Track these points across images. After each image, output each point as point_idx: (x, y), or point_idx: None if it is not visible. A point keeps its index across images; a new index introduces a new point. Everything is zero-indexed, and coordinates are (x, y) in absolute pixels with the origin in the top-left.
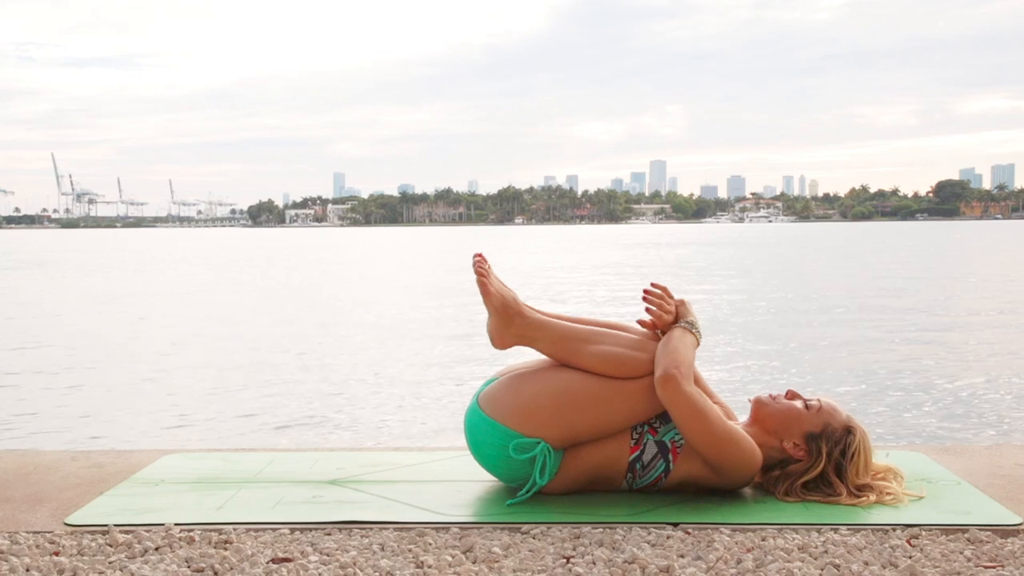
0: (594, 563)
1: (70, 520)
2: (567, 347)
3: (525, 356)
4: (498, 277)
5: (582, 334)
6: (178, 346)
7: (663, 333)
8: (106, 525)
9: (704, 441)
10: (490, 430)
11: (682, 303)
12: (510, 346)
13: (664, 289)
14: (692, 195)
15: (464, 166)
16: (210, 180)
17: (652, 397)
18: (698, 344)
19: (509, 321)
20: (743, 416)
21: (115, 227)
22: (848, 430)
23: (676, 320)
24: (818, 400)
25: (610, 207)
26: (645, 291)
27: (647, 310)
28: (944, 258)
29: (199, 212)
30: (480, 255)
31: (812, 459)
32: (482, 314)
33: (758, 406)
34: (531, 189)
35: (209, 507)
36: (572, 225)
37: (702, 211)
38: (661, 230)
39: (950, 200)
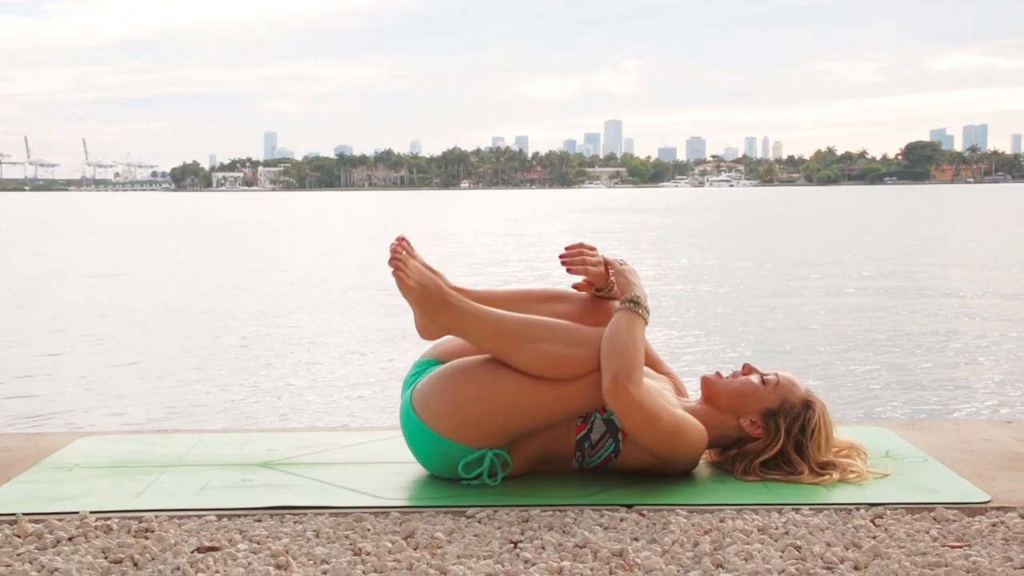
0: (543, 548)
1: None
2: (501, 345)
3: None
4: (421, 263)
5: (517, 328)
6: (90, 319)
7: (600, 291)
8: (14, 514)
9: (652, 440)
10: (431, 441)
11: (621, 272)
12: (438, 337)
13: (580, 245)
14: (649, 158)
15: (406, 126)
16: (129, 140)
17: (597, 394)
18: (646, 322)
19: (435, 313)
20: (692, 387)
21: (23, 190)
22: (807, 404)
23: (611, 287)
24: (775, 374)
25: (562, 170)
26: (560, 256)
27: (569, 271)
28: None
29: (117, 175)
30: (402, 239)
31: (770, 437)
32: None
33: (707, 386)
34: (478, 151)
35: (128, 493)
36: (522, 189)
37: (659, 175)
38: (616, 195)
39: (920, 163)
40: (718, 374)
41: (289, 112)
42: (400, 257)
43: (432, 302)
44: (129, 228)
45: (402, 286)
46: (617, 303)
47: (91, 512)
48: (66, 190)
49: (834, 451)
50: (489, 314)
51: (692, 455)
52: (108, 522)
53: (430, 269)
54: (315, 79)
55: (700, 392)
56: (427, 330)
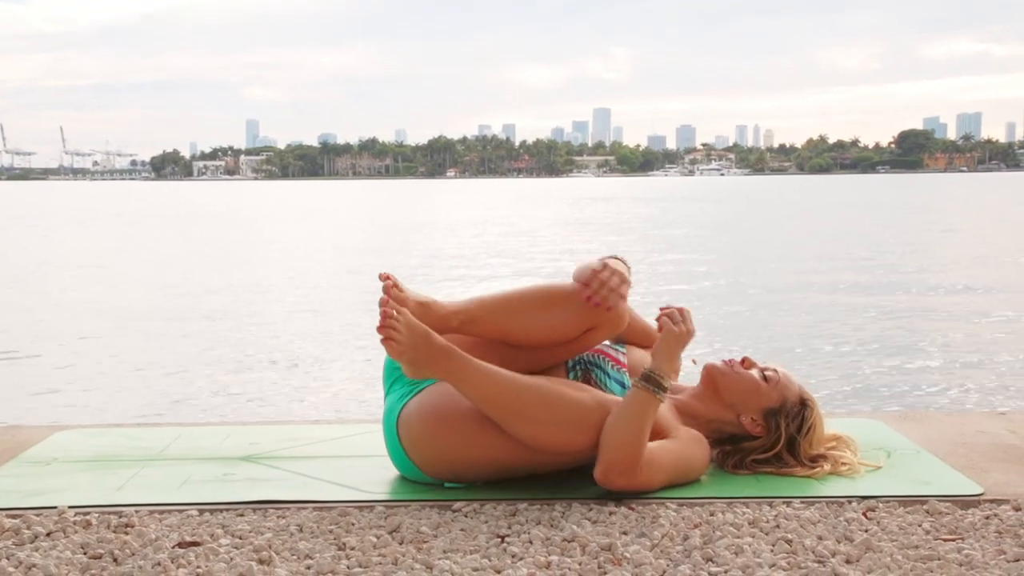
0: (531, 542)
1: None
2: (495, 413)
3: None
4: (412, 300)
5: (512, 403)
6: (70, 313)
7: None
8: None
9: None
10: (419, 475)
11: (672, 336)
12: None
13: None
14: (639, 146)
15: (391, 114)
16: (107, 128)
17: (591, 454)
18: (661, 402)
19: (424, 369)
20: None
21: None
22: (804, 403)
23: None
24: (775, 371)
25: (550, 159)
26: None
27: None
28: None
29: (95, 163)
30: (389, 285)
31: (771, 436)
32: (415, 276)
33: (714, 375)
34: (464, 139)
35: (108, 487)
36: (509, 179)
37: (649, 163)
38: (606, 184)
39: (913, 152)
40: (729, 363)
41: (272, 100)
42: (390, 321)
43: (422, 360)
44: (108, 218)
45: (391, 352)
46: (636, 379)
47: (70, 507)
48: (43, 179)
49: (825, 445)
50: (482, 379)
51: (700, 473)
52: (87, 517)
53: (420, 305)
54: (298, 66)
55: (700, 378)
56: (417, 376)
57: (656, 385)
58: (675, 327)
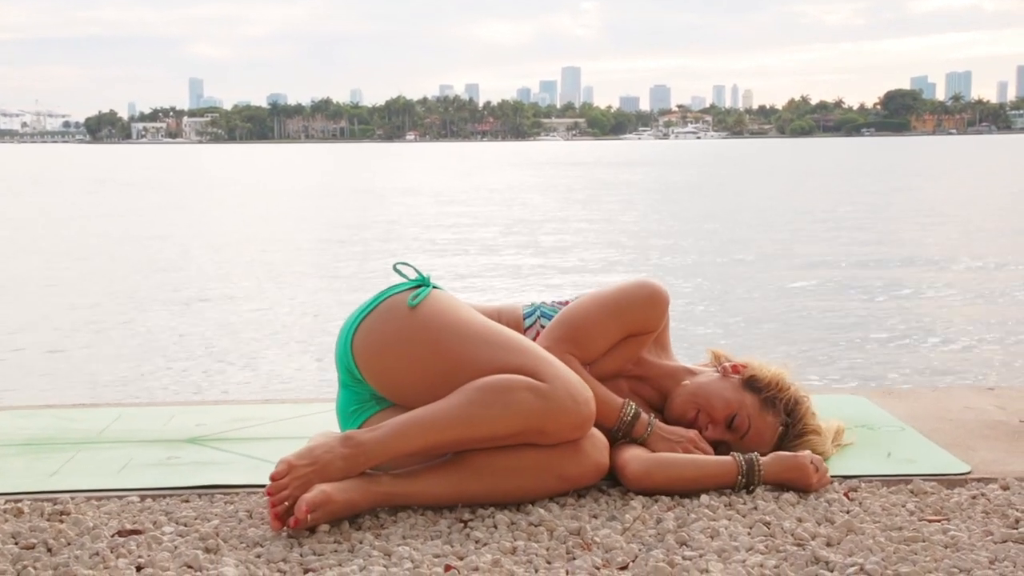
0: (495, 527)
1: None
2: (451, 443)
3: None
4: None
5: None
6: None
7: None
8: None
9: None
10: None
11: (808, 467)
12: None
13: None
14: (610, 108)
15: (346, 73)
16: (37, 86)
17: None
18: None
19: (353, 469)
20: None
21: None
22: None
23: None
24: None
25: (516, 121)
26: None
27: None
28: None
29: (24, 125)
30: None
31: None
32: (377, 255)
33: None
34: (424, 100)
35: (41, 473)
36: (472, 142)
37: (621, 126)
38: (575, 148)
39: (900, 113)
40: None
41: (216, 57)
42: (279, 497)
43: (342, 472)
44: (40, 184)
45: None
46: (740, 454)
47: (0, 494)
48: None
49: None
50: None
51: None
52: (19, 505)
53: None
54: (245, 20)
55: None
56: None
57: (747, 477)
58: (809, 478)
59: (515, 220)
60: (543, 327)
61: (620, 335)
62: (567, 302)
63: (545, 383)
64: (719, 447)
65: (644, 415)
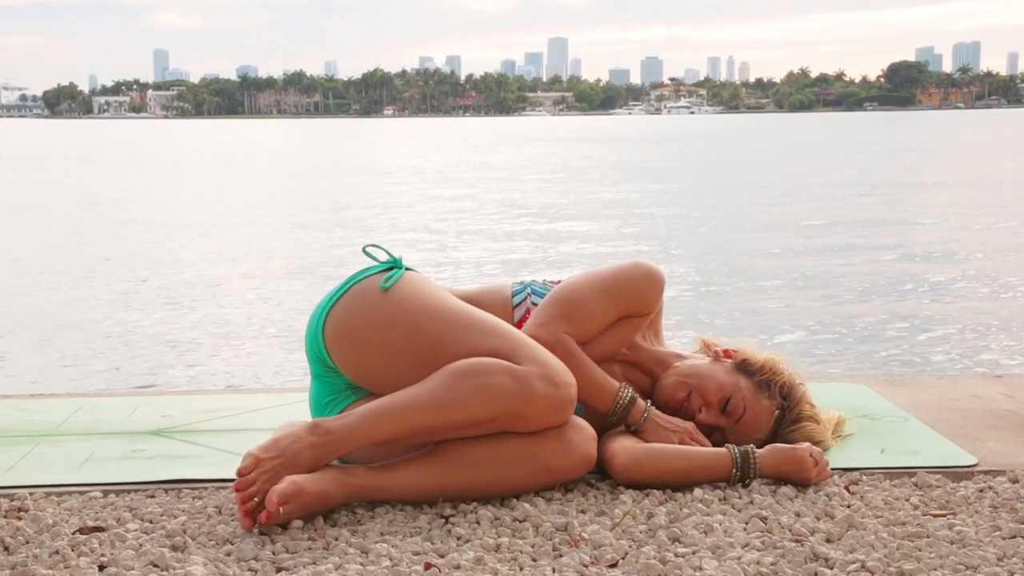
0: (478, 523)
1: None
2: (427, 431)
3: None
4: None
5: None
6: None
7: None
8: None
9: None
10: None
11: (807, 459)
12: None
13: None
14: (599, 81)
15: (320, 44)
16: None
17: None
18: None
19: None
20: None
21: None
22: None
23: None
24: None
25: (500, 96)
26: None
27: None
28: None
29: None
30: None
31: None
32: (353, 239)
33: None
34: (403, 73)
35: None
36: (454, 117)
37: (611, 100)
38: (562, 123)
39: (904, 86)
40: (727, 352)
41: (183, 26)
42: (247, 494)
43: (311, 463)
44: (41, 160)
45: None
46: (735, 446)
47: None
48: None
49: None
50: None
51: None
52: None
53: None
54: None
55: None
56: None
57: (742, 470)
58: (808, 472)
59: (509, 203)
60: (534, 304)
61: (615, 315)
62: (558, 281)
63: (522, 366)
64: (712, 435)
65: (641, 401)
